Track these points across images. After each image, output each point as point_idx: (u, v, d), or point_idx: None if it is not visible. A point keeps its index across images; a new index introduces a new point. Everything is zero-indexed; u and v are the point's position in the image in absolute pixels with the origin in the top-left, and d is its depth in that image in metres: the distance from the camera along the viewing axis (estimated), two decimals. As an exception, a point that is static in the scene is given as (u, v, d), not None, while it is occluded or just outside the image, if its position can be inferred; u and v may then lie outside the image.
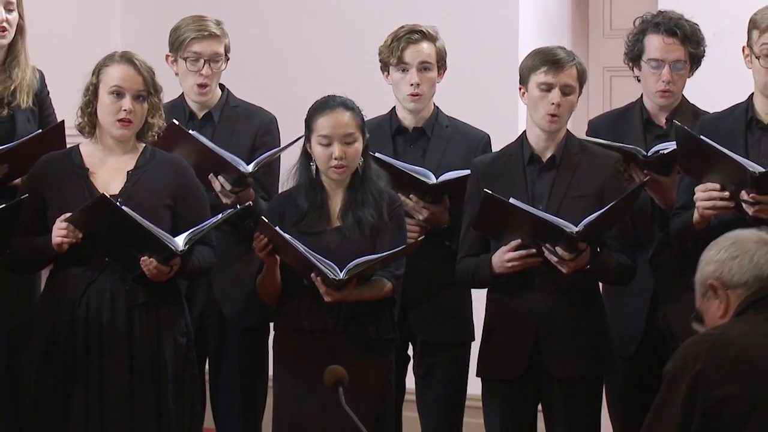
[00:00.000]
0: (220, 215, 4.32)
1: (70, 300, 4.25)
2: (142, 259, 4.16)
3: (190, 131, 4.61)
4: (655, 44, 4.52)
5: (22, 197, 4.14)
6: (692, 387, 3.07)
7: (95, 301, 4.23)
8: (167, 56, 4.83)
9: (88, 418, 4.22)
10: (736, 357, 3.10)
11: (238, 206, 4.52)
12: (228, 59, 4.82)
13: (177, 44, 4.78)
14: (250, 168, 4.55)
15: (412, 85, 4.61)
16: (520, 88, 4.35)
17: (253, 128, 4.82)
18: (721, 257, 3.23)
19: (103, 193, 4.16)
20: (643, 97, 4.63)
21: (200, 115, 4.84)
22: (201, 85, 4.77)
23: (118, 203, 4.16)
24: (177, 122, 4.57)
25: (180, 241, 4.19)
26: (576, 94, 4.31)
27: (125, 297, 4.24)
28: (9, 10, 4.74)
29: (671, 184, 4.43)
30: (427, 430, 4.78)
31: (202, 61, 4.74)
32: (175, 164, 4.38)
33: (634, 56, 4.57)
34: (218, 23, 4.82)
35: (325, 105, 4.36)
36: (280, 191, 4.65)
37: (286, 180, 4.60)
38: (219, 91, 4.87)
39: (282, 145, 4.74)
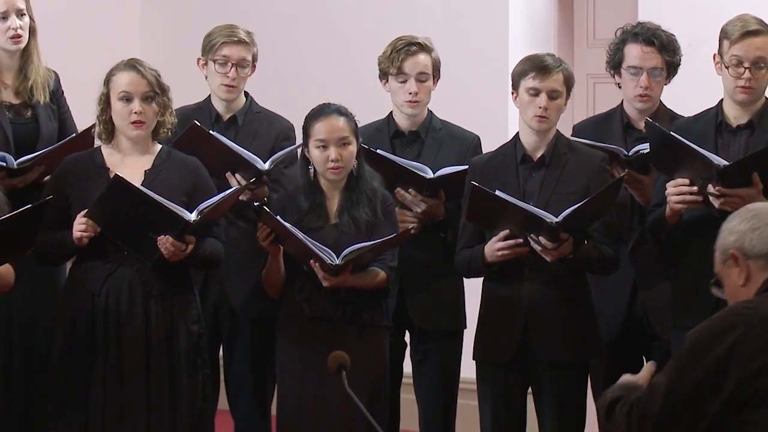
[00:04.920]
0: (227, 191, 4.44)
1: (90, 290, 4.40)
2: (159, 238, 4.28)
3: (211, 131, 4.73)
4: (634, 53, 4.63)
5: (47, 198, 4.23)
6: (728, 356, 3.05)
7: (114, 292, 4.39)
8: (198, 59, 4.95)
9: (106, 400, 4.38)
10: None
11: (255, 203, 4.69)
12: (255, 67, 4.95)
13: (208, 48, 4.90)
14: (266, 166, 4.69)
15: (410, 93, 4.74)
16: (512, 92, 4.46)
17: (273, 134, 4.95)
18: (742, 228, 3.22)
19: (116, 174, 4.28)
20: (623, 103, 4.75)
21: (226, 117, 4.96)
22: (227, 86, 4.88)
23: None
24: (198, 123, 4.70)
25: (192, 215, 4.31)
26: (563, 97, 4.42)
27: (142, 287, 4.39)
28: (21, 16, 4.82)
29: (650, 183, 4.53)
30: (424, 411, 4.91)
31: (229, 64, 4.86)
32: (188, 164, 4.53)
33: (615, 64, 4.69)
34: (248, 33, 4.93)
35: (320, 112, 4.50)
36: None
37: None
38: (243, 98, 4.98)
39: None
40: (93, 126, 4.59)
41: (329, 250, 4.36)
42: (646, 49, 4.64)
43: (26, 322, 4.87)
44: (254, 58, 4.96)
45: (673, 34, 4.70)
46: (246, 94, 5.02)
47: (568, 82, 4.45)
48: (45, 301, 4.80)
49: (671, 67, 4.68)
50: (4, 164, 4.64)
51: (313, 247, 4.35)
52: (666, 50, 4.65)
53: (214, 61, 4.90)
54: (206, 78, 4.98)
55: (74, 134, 4.82)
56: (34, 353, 4.86)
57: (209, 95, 5.01)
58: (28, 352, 4.87)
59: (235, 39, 4.90)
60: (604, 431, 4.06)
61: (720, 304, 4.21)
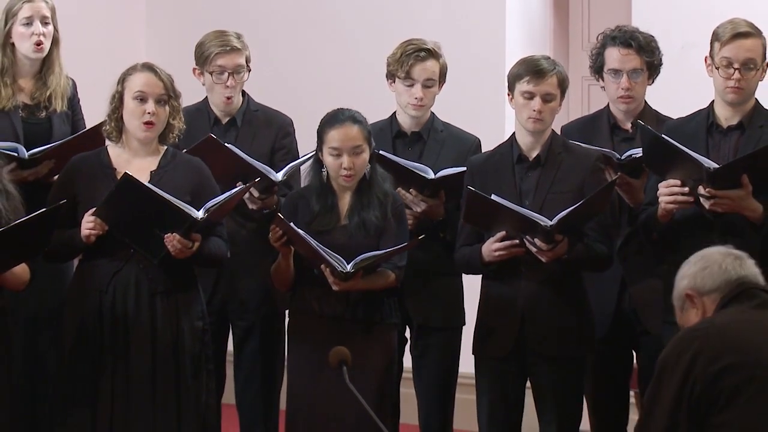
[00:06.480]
0: (233, 190, 4.50)
1: (97, 288, 4.47)
2: (166, 236, 4.34)
3: (226, 144, 4.79)
4: (613, 56, 4.72)
5: (61, 202, 4.26)
6: (691, 363, 3.26)
7: (120, 289, 4.45)
8: (194, 69, 5.01)
9: (114, 394, 4.44)
10: (729, 337, 3.30)
11: (265, 212, 4.76)
12: (249, 69, 5.01)
13: (202, 59, 4.97)
14: (279, 176, 4.77)
15: (416, 98, 4.79)
16: (508, 94, 4.51)
17: (272, 132, 5.04)
18: (693, 271, 3.46)
19: (126, 172, 4.33)
20: (609, 105, 4.81)
21: (224, 120, 5.04)
22: (228, 97, 4.95)
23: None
24: (214, 136, 4.75)
25: (199, 212, 4.38)
26: (557, 100, 4.47)
27: (148, 285, 4.46)
28: (45, 24, 4.87)
29: (640, 186, 4.62)
30: (423, 405, 4.98)
31: (226, 74, 4.94)
32: (193, 165, 4.59)
33: (597, 68, 4.78)
34: (239, 36, 5.00)
35: (335, 119, 4.53)
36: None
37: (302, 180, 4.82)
38: (240, 97, 5.04)
39: (302, 153, 4.94)
40: (104, 122, 4.63)
41: (340, 257, 4.40)
42: (624, 52, 4.72)
43: (31, 319, 4.92)
44: (248, 60, 5.02)
45: (651, 36, 4.76)
46: (243, 92, 5.07)
47: (563, 85, 4.51)
48: (50, 298, 4.86)
49: (652, 68, 4.76)
50: (16, 155, 4.69)
51: (324, 254, 4.40)
52: (644, 51, 4.72)
53: (211, 73, 4.97)
54: (204, 85, 5.04)
55: (86, 129, 4.87)
56: (38, 351, 4.93)
57: (206, 97, 5.09)
58: (33, 349, 4.93)
59: (228, 48, 4.96)
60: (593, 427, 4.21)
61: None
